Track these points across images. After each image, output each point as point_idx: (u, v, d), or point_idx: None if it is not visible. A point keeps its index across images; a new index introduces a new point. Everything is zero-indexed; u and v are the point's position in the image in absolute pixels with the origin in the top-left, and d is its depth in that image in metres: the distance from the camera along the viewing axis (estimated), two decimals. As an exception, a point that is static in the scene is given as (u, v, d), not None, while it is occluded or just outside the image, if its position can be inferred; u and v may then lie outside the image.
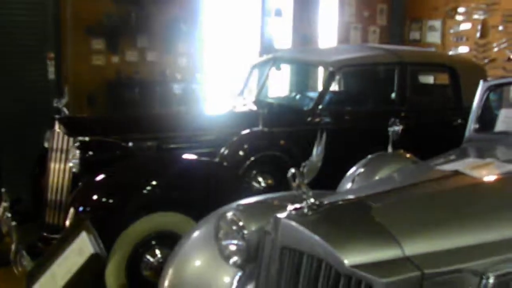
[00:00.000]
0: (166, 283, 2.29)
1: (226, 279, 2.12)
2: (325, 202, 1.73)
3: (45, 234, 3.80)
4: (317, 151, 1.67)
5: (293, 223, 1.66)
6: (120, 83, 6.42)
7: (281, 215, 1.73)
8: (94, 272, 1.77)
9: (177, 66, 6.85)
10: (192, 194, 3.39)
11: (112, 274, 3.15)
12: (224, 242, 2.04)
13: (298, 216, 1.67)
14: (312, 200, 1.66)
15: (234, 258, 2.01)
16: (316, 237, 1.58)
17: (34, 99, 6.10)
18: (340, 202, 1.83)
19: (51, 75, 6.14)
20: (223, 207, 2.49)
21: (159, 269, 3.26)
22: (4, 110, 5.43)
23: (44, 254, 2.24)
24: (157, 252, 3.32)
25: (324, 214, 1.68)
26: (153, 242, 3.31)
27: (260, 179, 3.75)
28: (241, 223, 1.99)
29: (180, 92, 6.61)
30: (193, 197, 3.38)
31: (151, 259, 3.31)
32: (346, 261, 1.53)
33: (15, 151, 5.64)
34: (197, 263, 2.27)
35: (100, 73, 6.37)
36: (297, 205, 1.70)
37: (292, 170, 1.63)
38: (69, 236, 2.06)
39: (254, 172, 3.75)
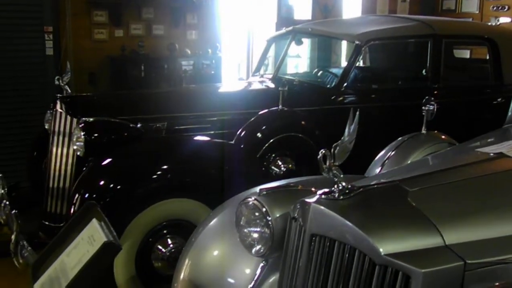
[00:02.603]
0: (182, 275, 2.32)
1: (248, 270, 2.15)
2: (357, 186, 1.74)
3: (46, 223, 3.87)
4: (349, 131, 1.68)
5: (323, 208, 1.67)
6: (124, 58, 6.44)
7: (310, 199, 1.74)
8: (108, 262, 1.80)
9: (186, 40, 6.86)
10: (206, 179, 3.42)
11: (121, 265, 3.22)
12: (246, 230, 2.06)
13: (329, 200, 1.69)
14: (343, 183, 1.68)
15: (257, 247, 2.03)
16: (349, 224, 1.60)
17: (30, 77, 6.14)
18: (374, 186, 1.84)
19: (49, 50, 6.17)
20: (243, 193, 2.52)
21: (171, 260, 3.33)
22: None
23: (50, 243, 2.28)
24: (169, 241, 3.37)
25: (357, 198, 1.70)
26: (165, 231, 3.37)
27: (280, 162, 3.75)
28: (264, 209, 2.01)
29: (189, 69, 6.62)
30: (207, 182, 3.41)
31: (163, 250, 3.36)
32: (381, 250, 1.54)
33: (11, 133, 5.71)
34: (216, 253, 2.30)
35: (102, 48, 6.40)
36: (327, 189, 1.72)
37: (323, 151, 1.65)
38: (77, 224, 2.10)
39: (273, 155, 3.75)
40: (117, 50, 6.45)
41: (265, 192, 2.11)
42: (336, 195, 1.69)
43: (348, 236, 1.61)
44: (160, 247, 3.37)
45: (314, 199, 1.73)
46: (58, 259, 2.05)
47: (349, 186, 1.69)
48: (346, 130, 1.71)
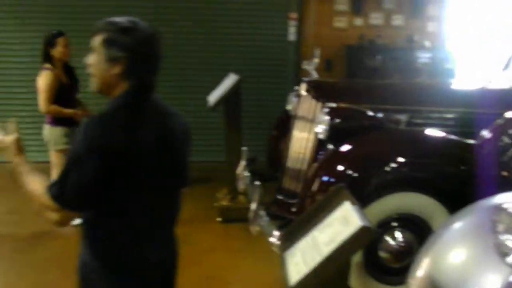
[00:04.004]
0: (421, 272, 2.28)
1: (495, 278, 2.03)
2: None
3: (280, 197, 4.09)
4: None
5: None
6: (361, 47, 6.47)
7: None
8: (363, 245, 1.85)
9: (425, 32, 6.65)
10: (442, 177, 3.31)
11: (350, 250, 3.28)
12: (502, 237, 1.95)
13: None
14: None
15: (514, 257, 1.91)
16: None
17: (272, 60, 6.53)
18: None
19: (292, 36, 6.47)
20: (492, 197, 2.38)
21: (397, 254, 3.31)
22: (243, 68, 5.92)
23: (298, 219, 2.42)
24: (398, 235, 3.34)
25: None
26: (395, 224, 3.35)
27: (526, 169, 3.45)
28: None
29: (427, 62, 6.41)
30: (443, 180, 3.30)
31: (391, 242, 3.35)
32: None
33: (253, 110, 6.15)
34: (461, 256, 2.20)
35: (340, 36, 6.51)
36: None
37: None
38: (327, 204, 2.18)
39: (519, 161, 3.46)
40: (355, 39, 6.50)
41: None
42: None
43: None
44: (388, 238, 3.36)
45: None
46: (309, 233, 2.15)
47: None
48: None
